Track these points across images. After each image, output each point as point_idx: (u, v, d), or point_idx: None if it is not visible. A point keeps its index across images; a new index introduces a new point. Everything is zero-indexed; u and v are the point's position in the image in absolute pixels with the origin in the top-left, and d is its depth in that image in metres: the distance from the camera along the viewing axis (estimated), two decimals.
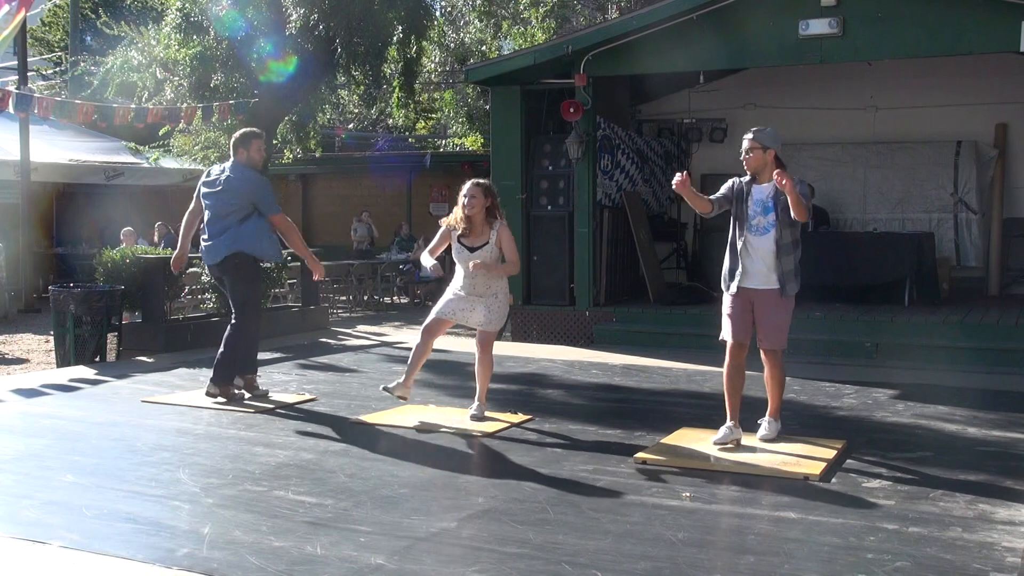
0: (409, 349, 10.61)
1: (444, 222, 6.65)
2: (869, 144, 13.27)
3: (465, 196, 6.47)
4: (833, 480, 5.28)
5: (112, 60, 16.47)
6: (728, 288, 5.93)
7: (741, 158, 5.91)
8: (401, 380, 6.69)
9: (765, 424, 6.06)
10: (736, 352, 5.91)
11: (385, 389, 6.74)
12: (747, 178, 5.91)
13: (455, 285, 6.67)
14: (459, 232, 6.51)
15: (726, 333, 5.95)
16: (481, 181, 6.61)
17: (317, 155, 19.26)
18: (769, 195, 5.78)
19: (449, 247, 6.65)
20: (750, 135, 5.87)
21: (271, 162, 17.78)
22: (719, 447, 5.84)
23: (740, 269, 5.85)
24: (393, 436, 6.32)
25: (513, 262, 6.58)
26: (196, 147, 17.52)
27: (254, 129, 7.63)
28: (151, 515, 4.63)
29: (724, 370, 5.96)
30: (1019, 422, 6.78)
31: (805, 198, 5.69)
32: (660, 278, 12.18)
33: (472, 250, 6.48)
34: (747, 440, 6.02)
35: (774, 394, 6.02)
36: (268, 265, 7.85)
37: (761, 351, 5.95)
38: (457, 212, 6.53)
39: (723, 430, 5.92)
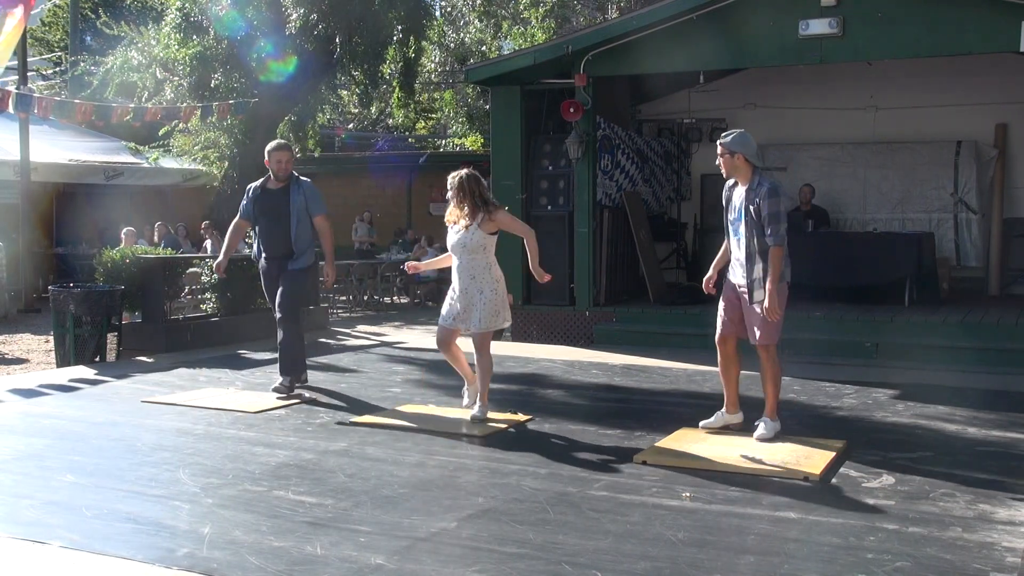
0: (409, 349, 10.71)
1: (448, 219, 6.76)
2: (869, 144, 13.27)
3: (452, 190, 6.62)
4: (833, 480, 5.28)
5: (112, 60, 16.48)
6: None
7: (716, 163, 6.17)
8: (477, 400, 6.71)
9: (762, 425, 6.09)
10: (721, 345, 6.22)
11: (474, 419, 6.61)
12: (731, 181, 6.14)
13: (452, 285, 6.73)
14: (454, 220, 6.64)
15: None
16: (464, 175, 6.59)
17: (316, 155, 19.26)
18: (742, 201, 5.98)
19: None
20: (719, 140, 6.08)
21: None
22: (707, 431, 6.20)
23: (730, 265, 6.18)
24: (393, 436, 6.32)
25: (526, 231, 6.86)
26: (196, 147, 17.54)
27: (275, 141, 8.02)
28: (151, 515, 4.63)
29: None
30: (1019, 422, 6.78)
31: (776, 230, 5.83)
32: (660, 278, 12.18)
33: (458, 232, 6.59)
34: (746, 440, 6.03)
35: (767, 392, 6.12)
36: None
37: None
38: (452, 207, 6.70)
39: (714, 416, 6.30)
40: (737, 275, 6.10)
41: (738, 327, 6.15)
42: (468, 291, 6.57)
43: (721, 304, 6.22)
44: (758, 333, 5.99)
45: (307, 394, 7.62)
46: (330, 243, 7.72)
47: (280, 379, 7.57)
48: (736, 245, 6.07)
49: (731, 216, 6.10)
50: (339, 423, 6.69)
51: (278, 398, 7.40)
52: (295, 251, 7.58)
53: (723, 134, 6.08)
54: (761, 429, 6.05)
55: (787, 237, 5.92)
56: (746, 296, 6.02)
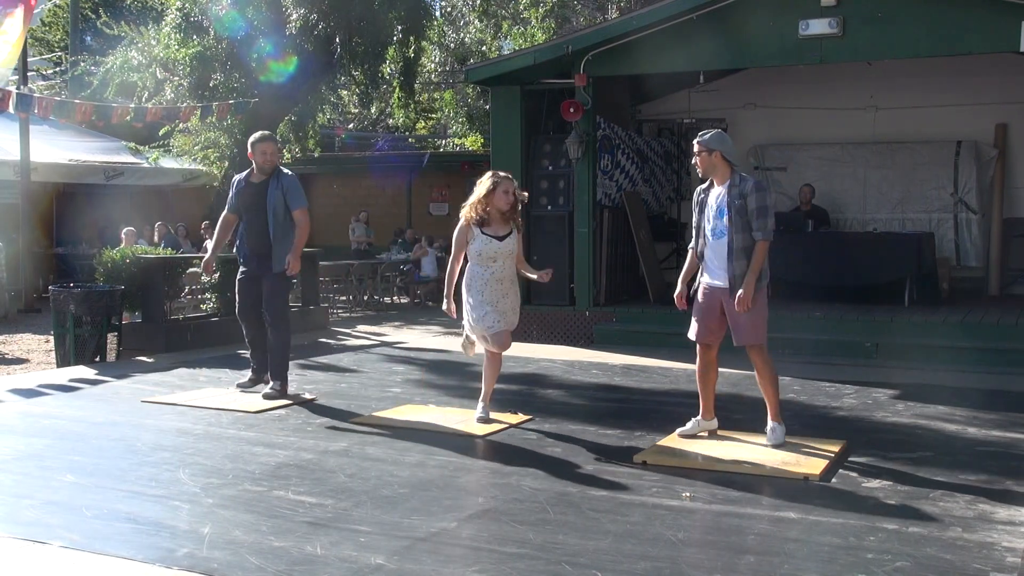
0: (409, 349, 10.71)
1: (464, 216, 6.43)
2: (869, 144, 13.27)
3: (501, 188, 6.32)
4: (833, 480, 5.28)
5: (112, 60, 16.46)
6: (695, 287, 6.13)
7: (692, 162, 6.06)
8: (479, 400, 6.70)
9: (769, 431, 5.96)
10: (702, 352, 6.09)
11: (480, 420, 6.57)
12: (706, 184, 6.06)
13: (476, 290, 6.43)
14: (481, 220, 6.36)
15: (691, 332, 6.12)
16: (504, 177, 6.44)
17: (316, 155, 19.25)
18: (722, 199, 5.86)
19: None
20: (696, 139, 5.96)
21: None
22: (686, 438, 6.06)
23: (704, 268, 6.02)
24: (393, 436, 6.32)
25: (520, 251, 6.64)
26: (196, 147, 17.53)
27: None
28: (151, 515, 4.63)
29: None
30: (1019, 422, 6.78)
31: (764, 224, 5.76)
32: (660, 278, 12.18)
33: (500, 239, 6.38)
34: (746, 440, 6.03)
35: (767, 394, 5.97)
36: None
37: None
38: (478, 204, 6.37)
39: (690, 423, 6.18)
40: (715, 276, 5.93)
41: (717, 332, 6.02)
42: (508, 295, 6.52)
43: (698, 310, 6.05)
44: (743, 333, 5.86)
45: (307, 395, 7.62)
46: (303, 236, 7.45)
47: (271, 384, 7.50)
48: (715, 245, 5.89)
49: (710, 214, 5.92)
50: (339, 423, 6.69)
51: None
52: (272, 248, 7.35)
53: (700, 133, 5.97)
54: (769, 436, 5.91)
55: (773, 233, 5.84)
56: (727, 296, 5.84)
